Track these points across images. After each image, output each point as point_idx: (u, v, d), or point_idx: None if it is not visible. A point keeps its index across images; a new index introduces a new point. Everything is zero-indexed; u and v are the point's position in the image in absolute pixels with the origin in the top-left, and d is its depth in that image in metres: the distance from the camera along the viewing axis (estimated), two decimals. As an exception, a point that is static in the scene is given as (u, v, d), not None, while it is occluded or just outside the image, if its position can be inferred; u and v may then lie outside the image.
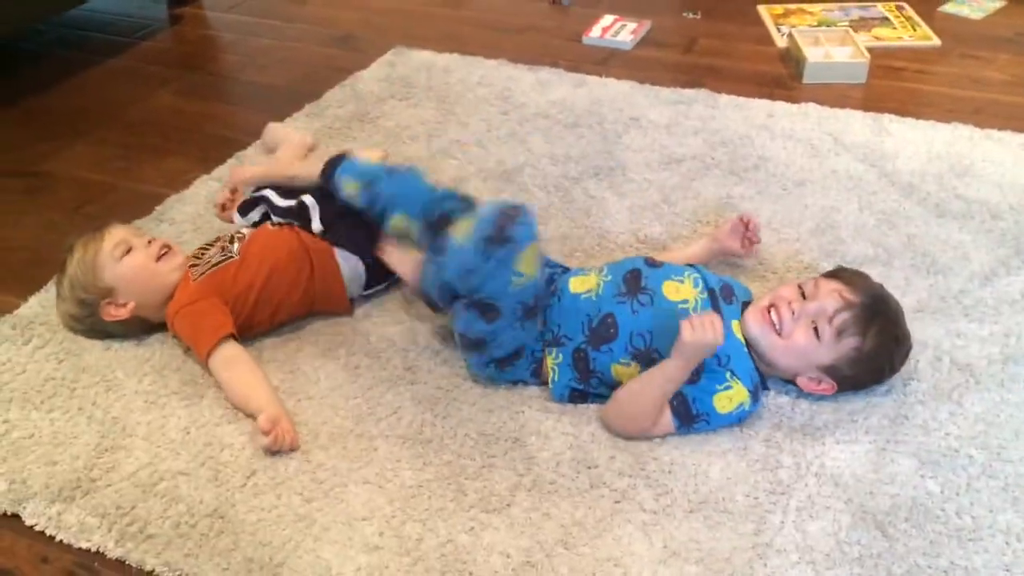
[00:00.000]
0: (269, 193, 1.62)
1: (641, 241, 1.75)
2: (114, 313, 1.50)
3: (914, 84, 2.31)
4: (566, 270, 1.53)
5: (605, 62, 2.44)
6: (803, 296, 1.38)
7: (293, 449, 1.33)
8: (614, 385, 1.37)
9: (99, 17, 2.78)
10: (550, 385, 1.40)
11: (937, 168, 1.93)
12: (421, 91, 2.30)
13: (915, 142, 2.02)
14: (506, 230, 1.29)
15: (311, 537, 1.22)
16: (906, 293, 1.59)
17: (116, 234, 1.54)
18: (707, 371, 1.33)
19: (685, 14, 2.73)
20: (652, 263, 1.44)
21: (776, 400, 1.40)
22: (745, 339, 1.38)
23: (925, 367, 1.45)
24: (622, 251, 1.73)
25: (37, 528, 1.25)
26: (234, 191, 1.71)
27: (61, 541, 1.23)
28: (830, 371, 1.36)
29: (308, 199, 1.58)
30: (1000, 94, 2.24)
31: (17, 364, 1.50)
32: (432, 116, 2.18)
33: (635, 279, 1.40)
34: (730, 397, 1.33)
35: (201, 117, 2.26)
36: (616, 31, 2.58)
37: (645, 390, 1.31)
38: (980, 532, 1.21)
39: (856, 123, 2.10)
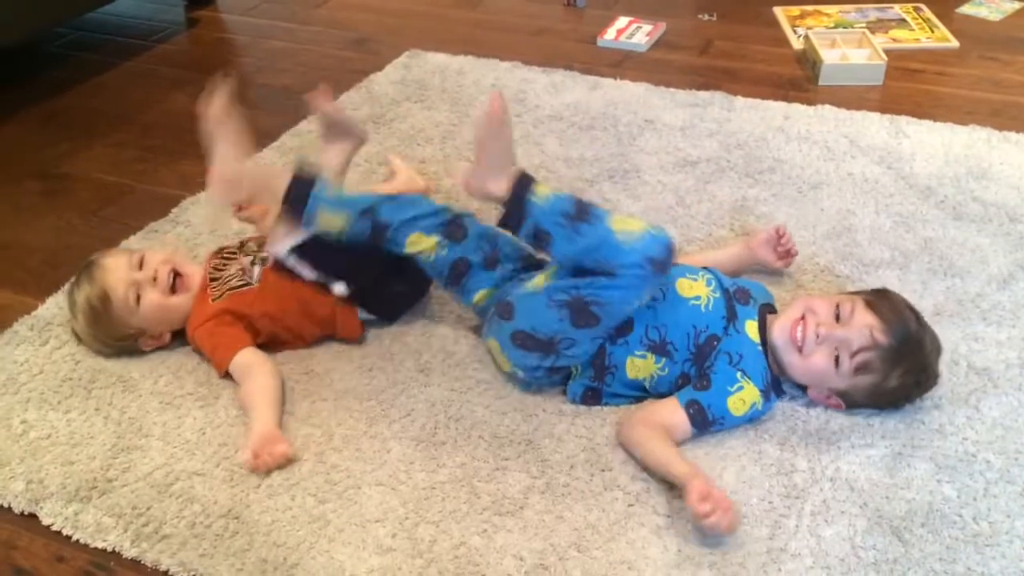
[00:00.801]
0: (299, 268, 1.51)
1: (655, 244, 1.75)
2: (154, 344, 1.51)
3: (932, 86, 2.29)
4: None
5: (620, 64, 2.44)
6: (836, 317, 1.35)
7: (280, 467, 1.31)
8: (628, 383, 1.38)
9: (116, 20, 2.81)
10: (568, 390, 1.40)
11: (955, 171, 1.92)
12: (435, 93, 2.30)
13: (932, 144, 2.01)
14: (584, 206, 1.32)
15: (325, 538, 1.22)
16: (923, 296, 1.58)
17: (115, 276, 1.46)
18: (718, 372, 1.33)
19: (700, 16, 2.72)
20: None
21: (791, 404, 1.39)
22: (763, 340, 1.38)
23: (942, 371, 1.43)
24: (636, 254, 1.72)
25: (54, 528, 1.26)
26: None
27: (77, 541, 1.24)
28: (842, 395, 1.36)
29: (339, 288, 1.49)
30: (1019, 96, 2.23)
31: (35, 365, 1.51)
32: (446, 118, 2.19)
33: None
34: (743, 398, 1.32)
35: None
36: (631, 33, 2.57)
37: (654, 455, 1.29)
38: (997, 538, 1.20)
39: (873, 125, 2.09)
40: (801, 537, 1.21)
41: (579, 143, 2.07)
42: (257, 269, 1.51)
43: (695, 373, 1.36)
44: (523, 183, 1.36)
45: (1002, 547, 1.19)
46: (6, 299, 1.68)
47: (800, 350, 1.35)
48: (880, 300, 1.37)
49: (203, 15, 2.85)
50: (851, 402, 1.36)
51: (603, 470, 1.30)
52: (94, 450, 1.36)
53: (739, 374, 1.33)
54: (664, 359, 1.36)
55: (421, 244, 1.43)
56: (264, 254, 1.53)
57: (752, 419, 1.35)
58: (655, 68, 2.41)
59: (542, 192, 1.36)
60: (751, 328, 1.38)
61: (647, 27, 2.60)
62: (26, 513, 1.28)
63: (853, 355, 1.31)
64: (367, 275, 1.49)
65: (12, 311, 1.64)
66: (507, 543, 1.21)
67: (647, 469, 1.29)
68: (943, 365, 1.44)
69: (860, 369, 1.32)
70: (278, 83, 2.44)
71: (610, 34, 2.57)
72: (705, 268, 1.47)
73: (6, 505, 1.29)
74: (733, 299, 1.41)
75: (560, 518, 1.24)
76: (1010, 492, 1.26)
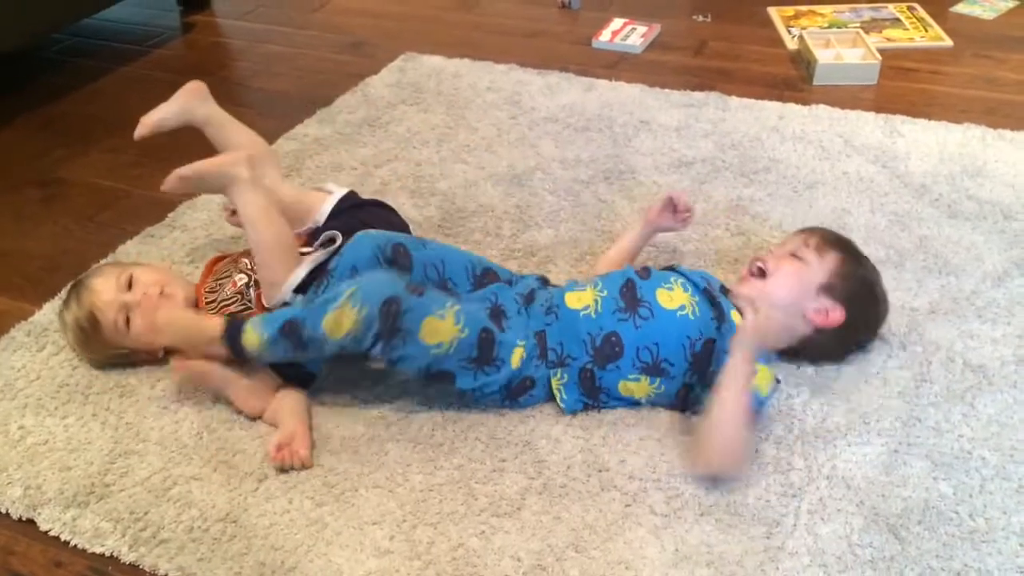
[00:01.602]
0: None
1: (651, 244, 1.75)
2: (148, 359, 1.50)
3: (926, 85, 2.30)
4: (543, 281, 1.50)
5: (615, 66, 2.45)
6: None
7: (305, 467, 1.32)
8: (624, 399, 1.38)
9: (112, 26, 2.81)
10: (559, 403, 1.39)
11: (949, 169, 1.93)
12: (431, 96, 2.30)
13: (927, 143, 2.02)
14: (396, 323, 1.26)
15: (323, 541, 1.23)
16: (918, 294, 1.59)
17: (103, 299, 1.45)
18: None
19: (695, 17, 2.72)
20: (641, 274, 1.43)
21: (788, 403, 1.40)
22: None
23: (937, 368, 1.44)
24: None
25: (52, 533, 1.26)
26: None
27: (75, 546, 1.24)
28: (828, 290, 1.39)
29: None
30: (1013, 94, 2.23)
31: (32, 370, 1.52)
32: (442, 121, 2.19)
33: (631, 291, 1.39)
34: (763, 378, 1.32)
35: (213, 124, 2.27)
36: (626, 35, 2.58)
37: (732, 412, 1.26)
38: (994, 534, 1.20)
39: (867, 125, 2.09)
40: (798, 535, 1.21)
41: (575, 144, 2.08)
42: (253, 292, 1.49)
43: (698, 380, 1.36)
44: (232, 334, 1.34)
45: (998, 543, 1.19)
46: (3, 305, 1.69)
47: (765, 275, 1.42)
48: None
49: (199, 20, 2.85)
50: (840, 297, 1.38)
51: (600, 470, 1.31)
52: (92, 455, 1.36)
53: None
54: (659, 379, 1.36)
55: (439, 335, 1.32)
56: (257, 275, 1.50)
57: (774, 395, 1.36)
58: (650, 69, 2.42)
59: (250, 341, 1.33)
60: (736, 317, 1.38)
61: (642, 29, 2.60)
62: (24, 519, 1.28)
63: (806, 244, 1.43)
64: None
65: (9, 317, 1.64)
66: (505, 544, 1.21)
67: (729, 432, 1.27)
68: (938, 363, 1.45)
69: (820, 249, 1.42)
70: (274, 87, 2.44)
71: (605, 36, 2.58)
72: (672, 270, 1.47)
73: (4, 511, 1.29)
74: (716, 294, 1.41)
75: (557, 519, 1.24)
76: (1006, 488, 1.26)
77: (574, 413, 1.39)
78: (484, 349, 1.32)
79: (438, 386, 1.38)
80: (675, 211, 1.58)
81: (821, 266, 1.40)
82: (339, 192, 1.59)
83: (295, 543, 1.22)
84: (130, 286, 1.47)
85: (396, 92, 2.33)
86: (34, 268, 1.79)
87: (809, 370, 1.45)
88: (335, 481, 1.31)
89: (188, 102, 1.71)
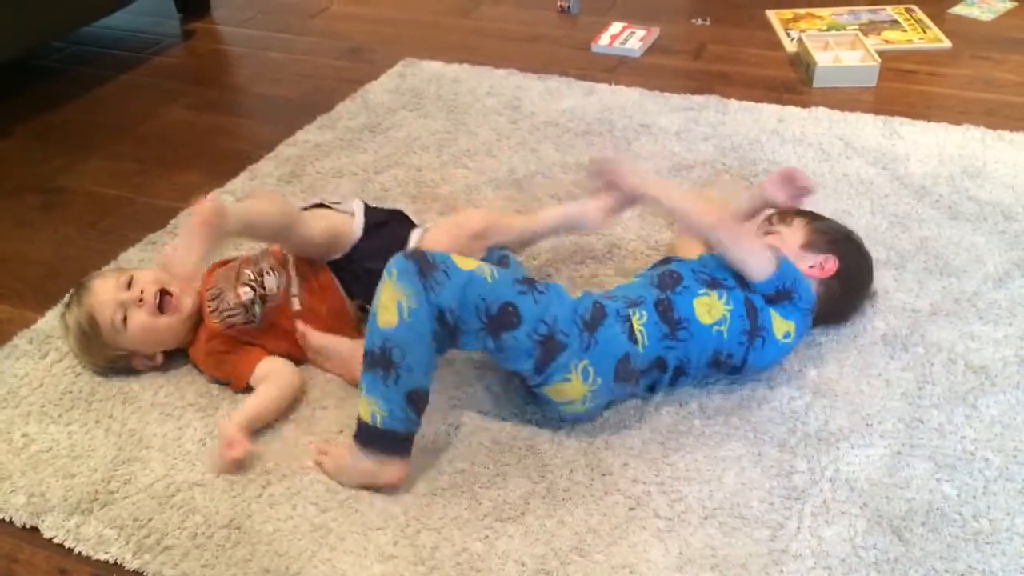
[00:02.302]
0: None
1: (652, 247, 1.75)
2: (147, 364, 1.50)
3: (925, 87, 2.30)
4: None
5: (614, 70, 2.45)
6: None
7: (229, 472, 1.33)
8: (698, 334, 1.37)
9: (112, 33, 2.81)
10: (640, 350, 1.34)
11: (949, 170, 1.93)
12: (431, 101, 2.31)
13: (927, 145, 2.02)
14: (424, 256, 1.27)
15: (327, 547, 1.23)
16: (919, 296, 1.59)
17: (101, 298, 1.44)
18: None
19: (693, 20, 2.73)
20: (667, 283, 1.42)
21: (790, 405, 1.40)
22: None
23: (939, 370, 1.44)
24: (632, 258, 1.73)
25: (56, 540, 1.26)
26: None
27: (79, 553, 1.24)
28: (810, 247, 1.47)
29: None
30: (1012, 95, 2.24)
31: (35, 378, 1.52)
32: (442, 126, 2.20)
33: (668, 311, 1.37)
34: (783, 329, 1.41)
35: (214, 131, 2.28)
36: (625, 39, 2.58)
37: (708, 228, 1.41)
38: (998, 535, 1.20)
39: (867, 127, 2.10)
40: (802, 538, 1.21)
41: (575, 148, 2.08)
42: (259, 309, 1.47)
43: (750, 291, 1.40)
44: None
45: (1002, 544, 1.19)
46: (5, 313, 1.69)
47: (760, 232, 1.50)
48: None
49: (199, 27, 2.86)
50: (824, 247, 1.46)
51: (603, 474, 1.31)
52: (95, 462, 1.36)
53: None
54: (724, 291, 1.40)
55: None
56: (264, 291, 1.48)
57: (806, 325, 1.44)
58: (649, 73, 2.42)
59: None
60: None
61: (641, 32, 2.61)
62: (28, 526, 1.29)
63: (770, 220, 1.54)
64: None
65: (12, 324, 1.64)
66: (509, 549, 1.21)
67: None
68: (940, 364, 1.46)
69: (784, 220, 1.51)
70: (274, 93, 2.45)
71: (604, 40, 2.58)
72: (667, 263, 1.51)
73: (7, 519, 1.30)
74: (749, 300, 1.39)
75: (561, 523, 1.24)
76: (1009, 490, 1.26)
77: (648, 366, 1.37)
78: (525, 279, 1.34)
79: (503, 331, 1.29)
80: (793, 186, 1.55)
81: (793, 231, 1.50)
82: (359, 211, 1.53)
83: (299, 549, 1.22)
84: (129, 286, 1.46)
85: (396, 98, 2.33)
86: (35, 275, 1.79)
87: (812, 372, 1.45)
88: (338, 487, 1.31)
89: (209, 242, 1.36)
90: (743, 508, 1.25)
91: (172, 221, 1.89)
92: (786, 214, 1.54)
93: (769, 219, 1.56)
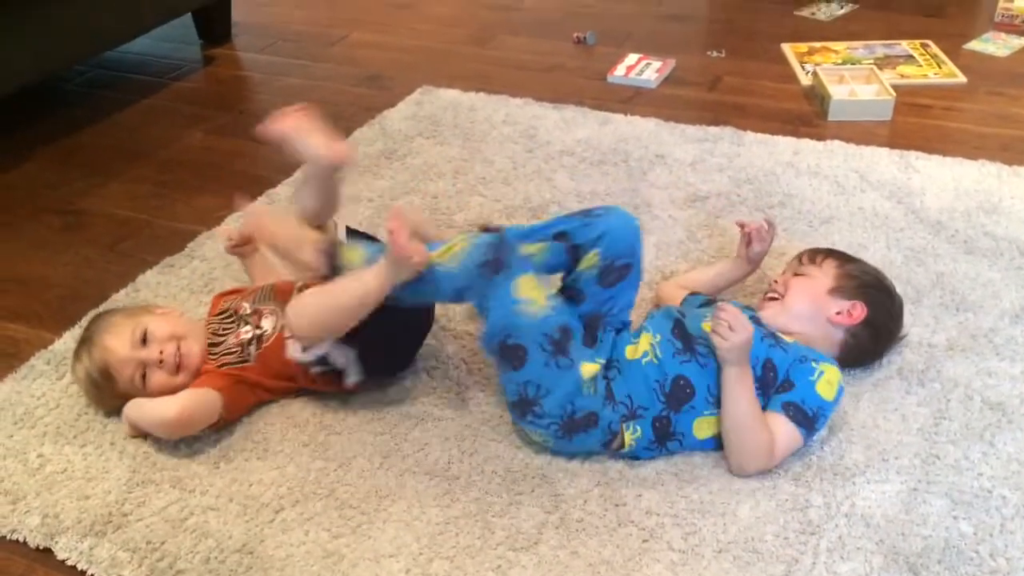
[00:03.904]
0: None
1: (666, 278, 1.75)
2: None
3: (940, 121, 2.31)
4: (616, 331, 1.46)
5: (630, 100, 2.47)
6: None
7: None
8: (689, 446, 1.37)
9: (134, 58, 2.85)
10: (625, 451, 1.36)
11: (965, 205, 1.93)
12: (448, 129, 2.33)
13: (942, 179, 2.02)
14: (502, 257, 1.33)
15: (339, 573, 1.22)
16: (936, 331, 1.58)
17: (119, 356, 1.43)
18: (795, 373, 1.36)
19: (709, 53, 2.75)
20: (680, 311, 1.46)
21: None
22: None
23: (956, 406, 1.44)
24: (647, 288, 1.73)
25: (69, 562, 1.26)
26: (247, 240, 1.66)
27: (92, 575, 1.24)
28: (839, 292, 1.45)
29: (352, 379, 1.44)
30: (1027, 131, 2.24)
31: (51, 399, 1.52)
32: (458, 154, 2.21)
33: (682, 330, 1.40)
34: (828, 381, 1.35)
35: (232, 155, 2.30)
36: (641, 70, 2.60)
37: (738, 413, 1.32)
38: (1015, 574, 1.19)
39: (882, 160, 2.10)
40: (817, 574, 1.20)
41: (590, 178, 2.09)
42: (254, 349, 1.47)
43: (766, 398, 1.37)
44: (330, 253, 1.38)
45: (1020, 584, 1.18)
46: (23, 333, 1.70)
47: (781, 298, 1.47)
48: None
49: (219, 53, 2.89)
50: (854, 292, 1.45)
51: (617, 505, 1.30)
52: (109, 484, 1.37)
53: (813, 363, 1.36)
54: None
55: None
56: (260, 331, 1.49)
57: (840, 400, 1.37)
58: (665, 104, 2.44)
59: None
60: (783, 335, 1.42)
61: (656, 64, 2.63)
62: (41, 547, 1.29)
63: (801, 260, 1.53)
64: (375, 346, 1.41)
65: (29, 345, 1.65)
66: (521, 579, 1.21)
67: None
68: (956, 400, 1.45)
69: (815, 260, 1.51)
70: (292, 119, 2.47)
71: (620, 71, 2.60)
72: (694, 298, 1.55)
73: (22, 539, 1.30)
74: (759, 320, 1.43)
75: (575, 553, 1.24)
76: (1027, 528, 1.25)
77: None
78: (563, 339, 1.33)
79: (504, 363, 1.34)
80: (750, 240, 1.58)
81: (823, 273, 1.49)
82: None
83: (311, 575, 1.22)
84: (144, 340, 1.44)
85: (413, 125, 2.35)
86: (54, 296, 1.80)
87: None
88: (351, 514, 1.31)
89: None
90: (757, 542, 1.24)
91: (190, 244, 1.91)
92: (817, 253, 1.53)
93: (800, 258, 1.54)
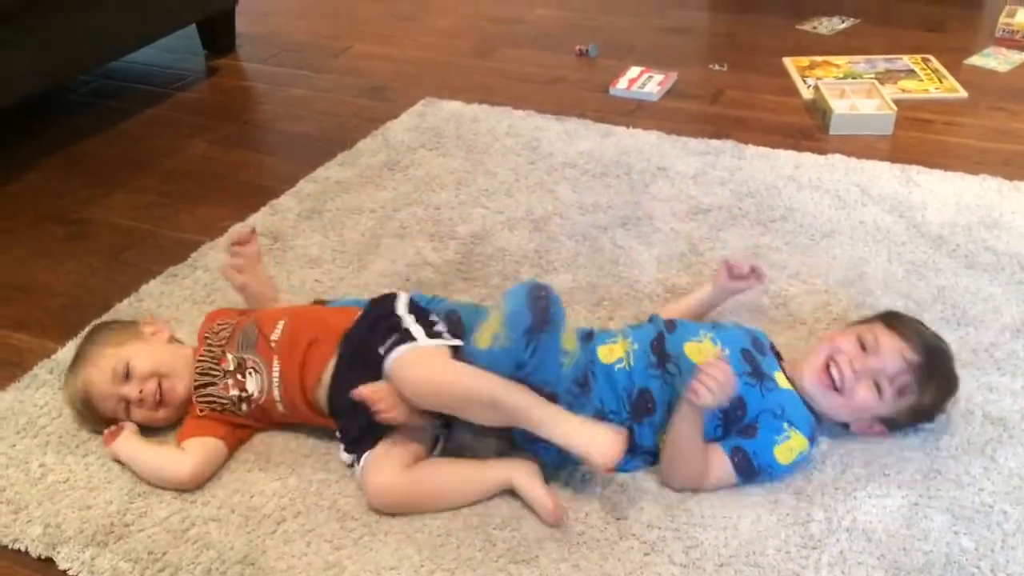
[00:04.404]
0: None
1: (668, 291, 1.76)
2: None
3: (942, 136, 2.31)
4: (589, 334, 1.47)
5: (632, 113, 2.48)
6: (863, 347, 1.37)
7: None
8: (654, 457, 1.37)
9: (139, 68, 2.86)
10: None
11: (966, 220, 1.93)
12: (450, 141, 2.34)
13: (943, 194, 2.03)
14: (547, 313, 1.27)
15: (340, 586, 1.22)
16: (937, 345, 1.59)
17: (101, 390, 1.42)
18: (764, 425, 1.33)
19: (711, 66, 2.76)
20: (668, 326, 1.44)
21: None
22: (794, 386, 1.39)
23: (957, 421, 1.44)
24: (649, 300, 1.74)
25: (71, 572, 1.26)
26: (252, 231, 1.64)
27: (93, 586, 1.25)
28: (886, 421, 1.39)
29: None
30: (1028, 146, 2.25)
31: (54, 408, 1.53)
32: (461, 165, 2.22)
33: (661, 345, 1.39)
34: (790, 447, 1.32)
35: (236, 166, 2.31)
36: (643, 83, 2.61)
37: (681, 444, 1.30)
38: (1017, 591, 1.19)
39: (884, 174, 2.11)
40: (818, 588, 1.20)
41: (592, 190, 2.10)
42: (245, 408, 1.43)
43: (725, 434, 1.35)
44: None
45: (1022, 600, 1.18)
46: (27, 343, 1.71)
47: (840, 391, 1.36)
48: (896, 321, 1.43)
49: (223, 63, 2.91)
50: (893, 425, 1.39)
51: (618, 518, 1.30)
52: (111, 495, 1.37)
53: (785, 424, 1.33)
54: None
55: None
56: (247, 393, 1.42)
57: (798, 466, 1.34)
58: (667, 117, 2.45)
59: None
60: (781, 378, 1.39)
61: (659, 77, 2.64)
62: (43, 557, 1.29)
63: (891, 380, 1.35)
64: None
65: (32, 354, 1.65)
66: (522, 592, 1.21)
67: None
68: (958, 415, 1.45)
69: (901, 393, 1.35)
70: (296, 130, 2.48)
71: (622, 83, 2.61)
72: (701, 325, 1.48)
73: (23, 549, 1.30)
74: (753, 353, 1.40)
75: (576, 567, 1.24)
76: (1028, 544, 1.25)
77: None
78: (586, 379, 1.34)
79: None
80: (731, 276, 1.55)
81: (893, 406, 1.36)
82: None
83: (313, 587, 1.22)
84: (127, 375, 1.42)
85: (416, 136, 2.36)
86: (58, 306, 1.81)
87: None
88: (353, 525, 1.31)
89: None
90: (759, 556, 1.24)
91: (193, 254, 1.91)
92: (915, 379, 1.35)
93: (898, 375, 1.35)
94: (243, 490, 1.37)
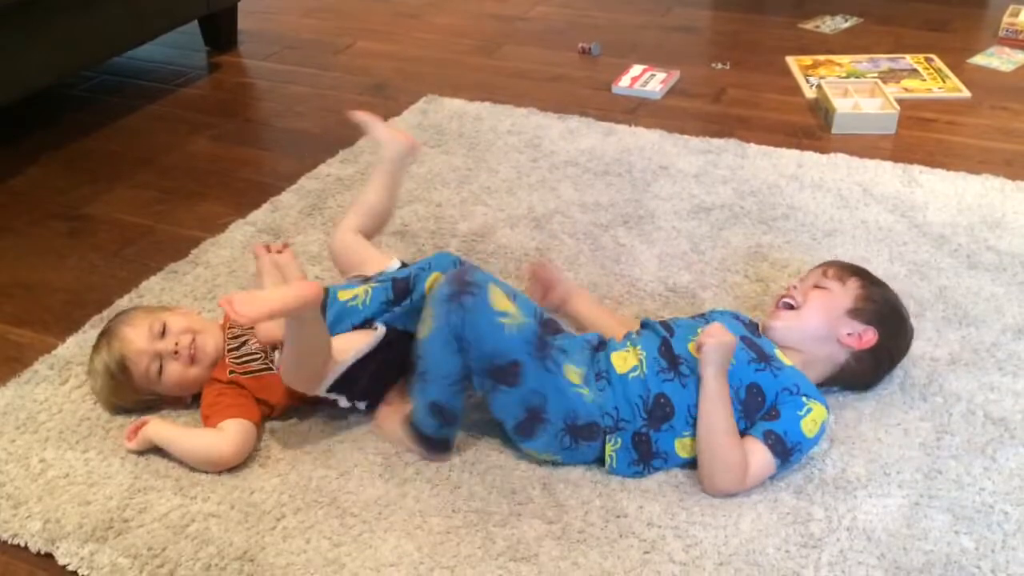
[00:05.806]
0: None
1: (670, 289, 1.76)
2: (176, 404, 1.50)
3: (944, 135, 2.31)
4: (602, 342, 1.48)
5: (634, 111, 2.47)
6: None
7: None
8: (674, 462, 1.37)
9: (140, 64, 2.86)
10: (608, 469, 1.37)
11: (968, 220, 1.93)
12: (452, 138, 2.33)
13: (946, 193, 2.02)
14: (463, 277, 1.32)
15: (339, 582, 1.22)
16: (938, 345, 1.58)
17: (136, 347, 1.45)
18: (785, 403, 1.35)
19: (714, 65, 2.76)
20: (667, 329, 1.45)
21: (808, 452, 1.39)
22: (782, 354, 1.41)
23: (958, 420, 1.44)
24: (651, 299, 1.73)
25: (70, 568, 1.26)
26: (284, 245, 1.75)
27: (93, 581, 1.25)
28: (857, 314, 1.43)
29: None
30: (1031, 146, 2.25)
31: (54, 404, 1.53)
32: (463, 163, 2.22)
33: (668, 350, 1.40)
34: (814, 419, 1.34)
35: (237, 162, 2.31)
36: (645, 81, 2.61)
37: (713, 425, 1.32)
38: (1017, 591, 1.19)
39: (886, 174, 2.10)
40: (818, 587, 1.20)
41: (594, 188, 2.10)
42: (278, 355, 1.46)
43: (749, 424, 1.35)
44: None
45: (1022, 600, 1.18)
46: (27, 338, 1.71)
47: (795, 308, 1.45)
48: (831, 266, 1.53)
49: (225, 60, 2.91)
50: (869, 319, 1.42)
51: (618, 516, 1.30)
52: (111, 490, 1.37)
53: (803, 398, 1.35)
54: None
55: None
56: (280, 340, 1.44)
57: (822, 436, 1.37)
58: (669, 115, 2.44)
59: None
60: (781, 355, 1.41)
61: (661, 75, 2.63)
62: (42, 552, 1.29)
63: (826, 274, 1.47)
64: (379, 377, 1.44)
65: (33, 350, 1.66)
66: (522, 590, 1.21)
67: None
68: (959, 415, 1.45)
69: (841, 278, 1.46)
70: (297, 127, 2.48)
71: (625, 82, 2.61)
72: (695, 318, 1.51)
73: (23, 544, 1.30)
74: (751, 339, 1.42)
75: (575, 564, 1.24)
76: (1029, 544, 1.25)
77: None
78: (540, 339, 1.34)
79: (499, 385, 1.32)
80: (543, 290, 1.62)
81: (845, 292, 1.45)
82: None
83: (312, 584, 1.22)
84: (163, 333, 1.46)
85: (418, 134, 2.36)
86: (58, 302, 1.81)
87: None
88: (352, 522, 1.31)
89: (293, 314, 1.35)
90: (759, 555, 1.24)
91: (194, 250, 1.91)
92: (843, 270, 1.49)
93: (824, 271, 1.49)
94: (243, 486, 1.37)
